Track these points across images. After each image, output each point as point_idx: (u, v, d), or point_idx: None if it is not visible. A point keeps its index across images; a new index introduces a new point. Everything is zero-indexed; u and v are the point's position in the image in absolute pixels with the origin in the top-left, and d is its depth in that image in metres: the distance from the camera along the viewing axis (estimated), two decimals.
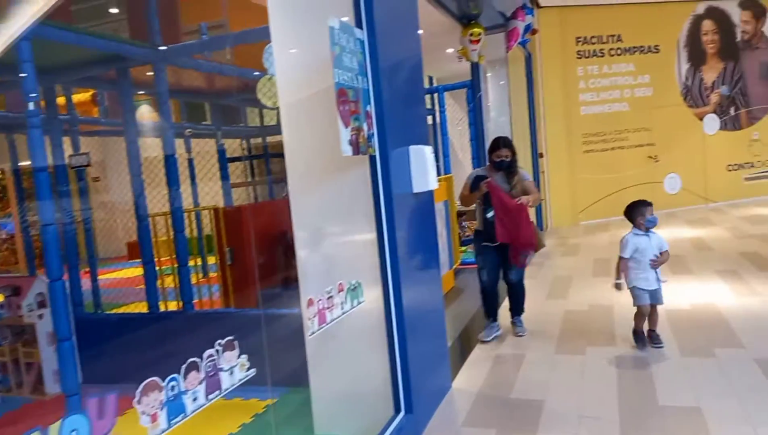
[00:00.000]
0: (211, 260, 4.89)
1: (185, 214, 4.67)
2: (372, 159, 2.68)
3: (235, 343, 1.51)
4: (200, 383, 1.34)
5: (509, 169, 4.18)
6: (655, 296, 3.75)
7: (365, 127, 2.50)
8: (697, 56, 10.43)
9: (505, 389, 3.38)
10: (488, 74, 7.98)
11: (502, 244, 4.13)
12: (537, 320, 4.68)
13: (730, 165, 10.71)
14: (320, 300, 2.01)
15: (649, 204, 3.76)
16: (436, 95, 8.14)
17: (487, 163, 4.34)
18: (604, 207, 9.78)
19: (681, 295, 4.90)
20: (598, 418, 2.89)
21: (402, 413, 2.73)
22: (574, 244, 8.09)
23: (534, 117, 9.24)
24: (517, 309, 4.47)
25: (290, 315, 1.99)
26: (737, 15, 10.60)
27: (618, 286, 3.78)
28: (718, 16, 10.50)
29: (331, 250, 2.69)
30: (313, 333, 1.98)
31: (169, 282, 4.66)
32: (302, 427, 2.90)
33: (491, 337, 4.28)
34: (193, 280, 5.07)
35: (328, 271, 2.65)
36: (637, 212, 3.73)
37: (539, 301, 5.27)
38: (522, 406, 3.12)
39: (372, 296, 2.71)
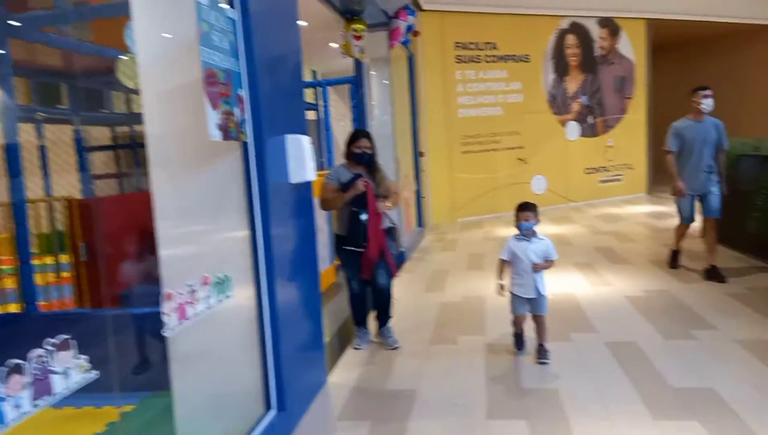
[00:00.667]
0: (66, 258, 4.43)
1: (31, 206, 4.16)
2: (245, 146, 2.55)
3: (71, 342, 1.34)
4: (24, 388, 1.16)
5: (370, 163, 3.90)
6: (534, 306, 3.53)
7: (237, 111, 2.37)
8: (561, 67, 11.32)
9: (380, 381, 3.40)
10: (372, 72, 8.05)
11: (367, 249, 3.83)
12: (414, 312, 4.78)
13: (587, 168, 11.77)
14: (180, 294, 1.85)
15: (528, 208, 3.46)
16: (319, 90, 8.06)
17: (345, 160, 3.97)
18: (480, 205, 10.31)
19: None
20: (466, 404, 2.99)
21: (273, 411, 2.63)
22: (452, 240, 8.42)
23: (416, 117, 9.48)
24: (385, 318, 4.10)
25: (151, 314, 1.82)
26: (596, 32, 11.67)
27: (501, 287, 3.54)
28: (579, 31, 11.49)
29: (198, 242, 2.52)
30: (172, 329, 1.82)
31: (11, 283, 4.14)
32: (163, 434, 2.69)
33: (365, 345, 4.03)
34: (45, 280, 4.55)
35: (192, 265, 2.48)
36: (517, 215, 3.50)
37: (418, 293, 5.41)
38: (396, 397, 3.15)
39: (243, 291, 2.58)
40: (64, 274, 4.29)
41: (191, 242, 2.58)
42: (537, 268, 3.43)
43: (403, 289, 5.72)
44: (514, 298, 3.58)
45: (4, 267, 4.25)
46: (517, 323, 3.67)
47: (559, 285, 5.27)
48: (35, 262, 4.31)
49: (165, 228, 2.55)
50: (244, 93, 2.45)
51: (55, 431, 2.68)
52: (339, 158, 9.25)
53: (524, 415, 2.83)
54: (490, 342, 3.91)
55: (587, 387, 3.10)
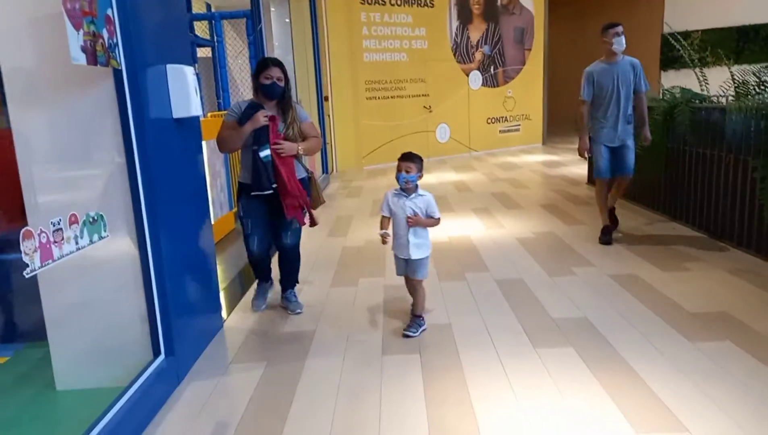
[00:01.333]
0: None
1: None
2: (119, 75, 2.32)
3: None
4: None
5: (283, 98, 3.28)
6: (408, 268, 3.13)
7: (105, 34, 2.13)
8: (465, 15, 11.40)
9: (279, 324, 3.38)
10: (272, 9, 7.63)
11: (274, 200, 3.25)
12: (317, 257, 4.77)
13: (489, 118, 12.14)
14: (42, 233, 1.68)
15: (411, 158, 2.99)
16: (213, 23, 7.53)
17: (253, 95, 3.37)
18: (385, 153, 10.34)
19: (442, 230, 5.43)
20: (363, 341, 3.05)
21: (162, 356, 2.53)
22: (357, 187, 8.43)
23: (319, 59, 9.20)
24: (290, 280, 3.63)
25: (18, 261, 1.64)
26: None
27: (384, 237, 3.09)
28: None
29: (66, 180, 2.31)
30: (33, 271, 1.66)
31: None
32: (41, 385, 2.52)
33: (263, 307, 3.62)
34: None
35: (61, 204, 2.27)
36: (398, 165, 3.01)
37: (321, 239, 5.39)
38: (294, 338, 3.15)
39: (123, 233, 2.40)
40: None
41: (59, 180, 2.35)
42: (411, 223, 2.97)
43: (306, 234, 5.64)
44: (395, 258, 3.18)
45: None
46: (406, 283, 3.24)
47: (457, 229, 5.46)
48: None
49: (28, 166, 2.30)
50: (113, 13, 2.21)
51: None
52: (236, 97, 8.82)
53: (418, 349, 2.93)
54: (388, 284, 3.99)
55: (477, 320, 3.26)
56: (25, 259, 1.64)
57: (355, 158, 10.25)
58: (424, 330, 3.15)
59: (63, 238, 1.79)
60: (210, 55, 7.98)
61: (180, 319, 2.70)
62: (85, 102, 2.33)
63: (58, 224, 1.79)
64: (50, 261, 1.73)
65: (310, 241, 5.35)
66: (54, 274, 2.13)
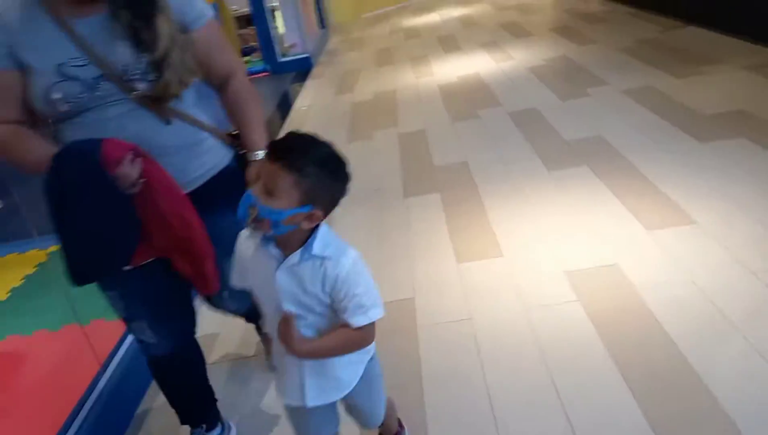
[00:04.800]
0: None
1: None
2: None
3: None
4: None
5: None
6: (355, 413, 1.36)
7: None
8: None
9: None
10: None
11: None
12: (328, 114, 4.81)
13: None
14: None
15: (282, 154, 0.97)
16: None
17: None
18: None
19: (451, 70, 5.32)
20: (385, 188, 3.19)
21: None
22: (358, 38, 8.12)
23: None
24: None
25: None
26: None
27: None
28: None
29: None
30: None
31: None
32: None
33: None
34: None
35: None
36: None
37: (329, 97, 5.37)
38: None
39: None
40: None
41: None
42: (289, 345, 1.05)
43: (314, 94, 5.63)
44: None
45: None
46: None
47: (466, 67, 5.33)
48: None
49: None
50: None
51: None
52: None
53: (438, 188, 3.07)
54: (402, 132, 4.04)
55: (492, 155, 3.34)
56: None
57: (353, 8, 9.73)
58: None
59: None
60: None
61: None
62: None
63: None
64: None
65: (317, 101, 5.34)
66: None
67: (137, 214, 1.26)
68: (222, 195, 1.38)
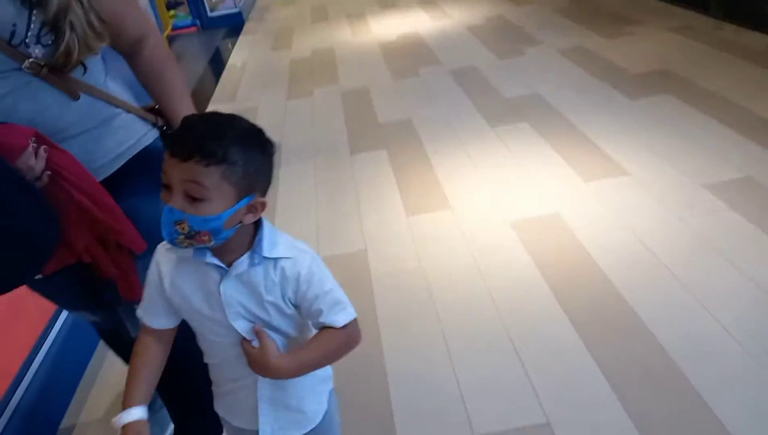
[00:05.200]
0: None
1: None
2: None
3: None
4: None
5: None
6: None
7: None
8: None
9: None
10: None
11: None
12: (265, 72, 4.68)
13: None
14: None
15: (194, 147, 0.78)
16: None
17: None
18: None
19: (389, 29, 5.27)
20: (330, 146, 3.17)
21: None
22: None
23: None
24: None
25: None
26: None
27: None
28: None
29: None
30: None
31: None
32: None
33: None
34: None
35: None
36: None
37: (265, 53, 5.22)
38: None
39: None
40: None
41: None
42: (256, 365, 0.89)
43: (248, 51, 5.45)
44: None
45: None
46: None
47: (404, 26, 5.30)
48: None
49: None
50: None
51: None
52: None
53: (384, 145, 3.08)
54: (345, 90, 3.99)
55: (435, 112, 3.38)
56: None
57: None
58: None
59: None
60: None
61: None
62: None
63: None
64: None
65: (253, 57, 5.17)
66: None
67: (52, 208, 1.02)
68: (145, 180, 1.12)
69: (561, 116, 3.04)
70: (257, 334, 0.87)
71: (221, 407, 1.02)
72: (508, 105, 3.30)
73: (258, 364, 0.87)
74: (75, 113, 1.09)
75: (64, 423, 1.77)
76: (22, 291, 1.18)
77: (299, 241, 0.90)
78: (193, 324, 0.93)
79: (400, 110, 3.49)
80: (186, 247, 0.82)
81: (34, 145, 1.00)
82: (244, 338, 0.88)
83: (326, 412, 0.99)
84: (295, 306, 0.88)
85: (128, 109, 1.21)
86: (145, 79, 1.25)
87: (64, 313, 1.91)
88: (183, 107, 1.24)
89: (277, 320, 0.89)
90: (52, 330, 1.87)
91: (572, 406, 1.48)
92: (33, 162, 0.99)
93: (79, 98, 1.09)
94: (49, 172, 1.02)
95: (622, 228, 2.10)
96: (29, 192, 0.98)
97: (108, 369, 1.89)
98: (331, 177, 2.83)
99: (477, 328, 1.78)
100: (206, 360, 0.97)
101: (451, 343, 1.73)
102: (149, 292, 0.92)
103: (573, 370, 1.58)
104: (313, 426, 0.98)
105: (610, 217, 2.19)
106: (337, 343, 0.89)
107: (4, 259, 0.95)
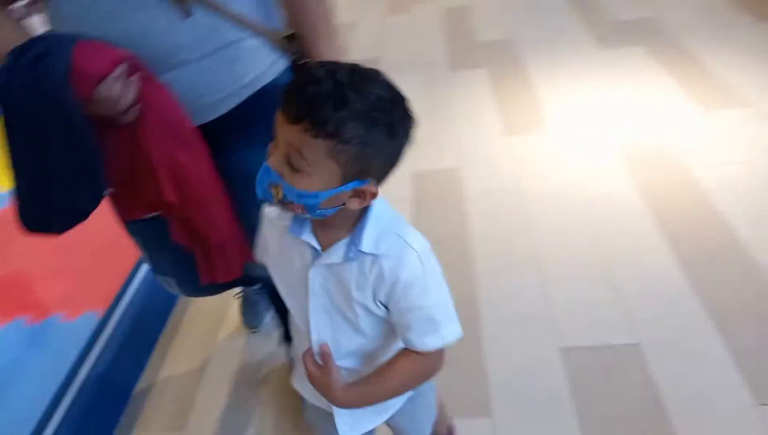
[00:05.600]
0: None
1: None
2: None
3: None
4: None
5: None
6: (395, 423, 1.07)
7: None
8: None
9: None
10: None
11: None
12: None
13: None
14: None
15: (304, 109, 0.64)
16: None
17: None
18: None
19: None
20: (430, 62, 3.12)
21: None
22: None
23: None
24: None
25: None
26: None
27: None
28: None
29: None
30: None
31: None
32: None
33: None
34: None
35: None
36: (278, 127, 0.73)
37: None
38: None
39: None
40: None
41: None
42: (321, 386, 0.81)
43: None
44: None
45: None
46: None
47: None
48: None
49: None
50: None
51: None
52: None
53: (484, 63, 2.99)
54: (446, 6, 3.86)
55: (539, 34, 3.21)
56: None
57: None
58: None
59: None
60: None
61: None
62: None
63: None
64: None
65: None
66: None
67: (105, 157, 0.86)
68: (265, 125, 0.71)
69: (680, 41, 2.80)
70: (323, 358, 0.78)
71: (299, 383, 0.94)
72: (621, 27, 3.07)
73: (320, 385, 0.79)
74: (186, 35, 0.86)
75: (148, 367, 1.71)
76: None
77: (413, 232, 0.74)
78: (287, 289, 0.84)
79: (503, 28, 3.34)
80: (281, 209, 0.72)
81: (124, 71, 0.81)
82: (307, 351, 0.80)
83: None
84: (385, 307, 0.76)
85: (256, 33, 0.94)
86: (286, 3, 0.98)
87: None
88: (329, 46, 0.98)
89: (362, 321, 0.78)
90: (135, 278, 1.78)
91: (666, 331, 1.47)
92: (117, 91, 0.81)
93: (190, 15, 0.85)
94: (137, 106, 0.84)
95: (740, 162, 1.97)
96: (81, 134, 0.82)
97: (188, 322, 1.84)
98: (429, 94, 2.80)
99: (572, 252, 1.77)
100: (291, 333, 0.92)
101: (544, 264, 1.74)
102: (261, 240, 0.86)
103: (671, 299, 1.56)
104: (393, 412, 0.91)
105: (726, 150, 2.05)
106: (412, 372, 0.78)
107: (39, 195, 0.87)
